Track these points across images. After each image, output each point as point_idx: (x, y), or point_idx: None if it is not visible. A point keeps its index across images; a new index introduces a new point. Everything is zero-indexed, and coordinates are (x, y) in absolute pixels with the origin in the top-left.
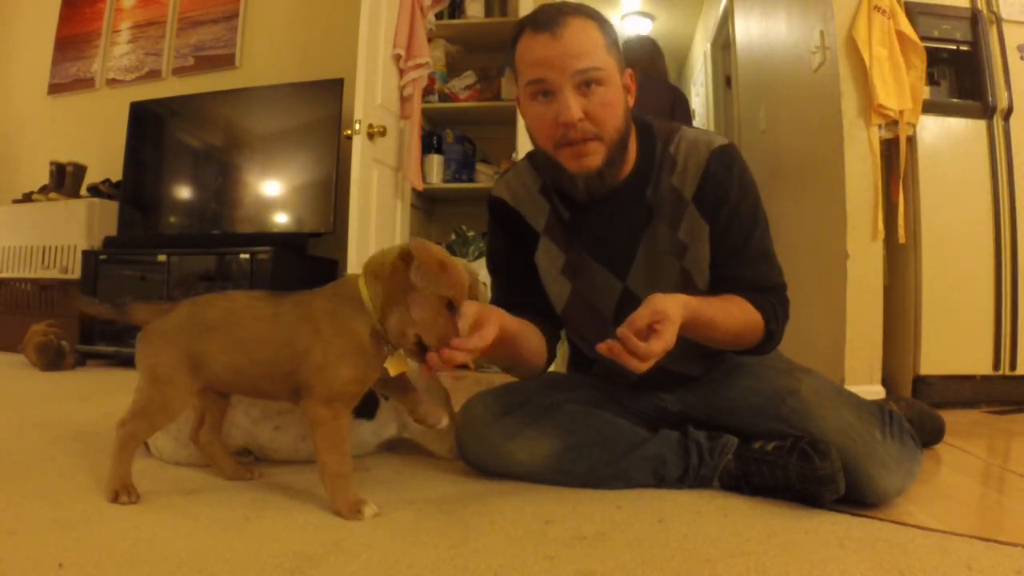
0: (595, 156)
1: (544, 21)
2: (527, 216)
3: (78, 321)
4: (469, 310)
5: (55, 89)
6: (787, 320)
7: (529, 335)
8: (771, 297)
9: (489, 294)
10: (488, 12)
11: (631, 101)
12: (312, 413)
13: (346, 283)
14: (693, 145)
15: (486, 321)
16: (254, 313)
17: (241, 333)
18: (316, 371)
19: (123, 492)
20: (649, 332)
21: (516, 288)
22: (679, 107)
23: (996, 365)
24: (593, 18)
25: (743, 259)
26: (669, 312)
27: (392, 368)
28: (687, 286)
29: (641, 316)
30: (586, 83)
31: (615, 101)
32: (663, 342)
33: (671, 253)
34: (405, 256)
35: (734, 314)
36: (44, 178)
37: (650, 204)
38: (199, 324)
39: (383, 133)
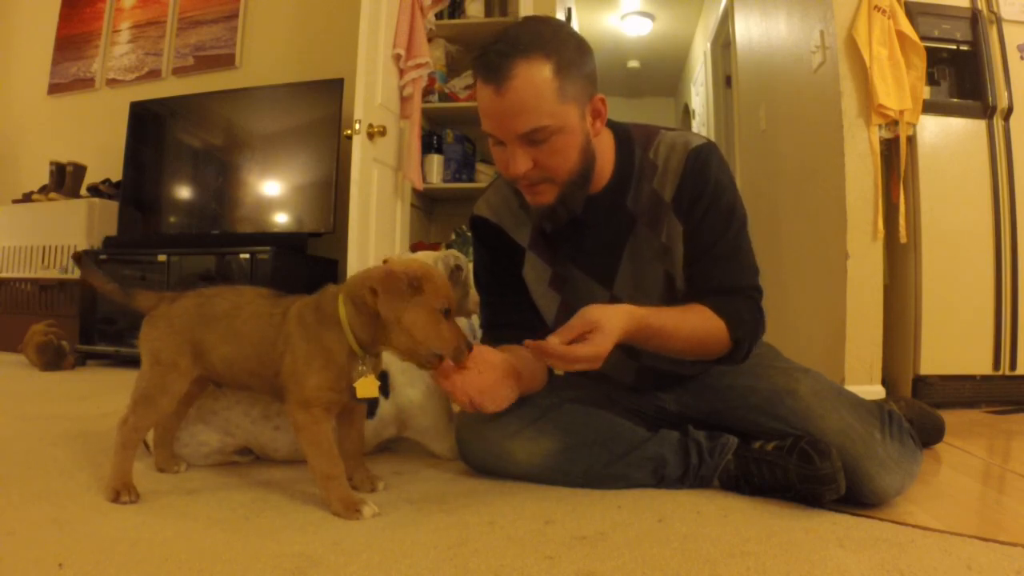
0: (547, 195)
1: (491, 70)
2: (511, 232)
3: (78, 321)
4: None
5: (55, 89)
6: (758, 326)
7: (530, 367)
8: (739, 302)
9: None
10: (488, 12)
11: (599, 127)
12: (293, 418)
13: (327, 298)
14: (671, 148)
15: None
16: (253, 309)
17: (238, 326)
18: (289, 376)
19: (124, 491)
20: (580, 339)
21: (506, 306)
22: None
23: (996, 365)
24: (545, 56)
25: (713, 258)
26: (602, 322)
27: (361, 390)
28: (671, 289)
29: (572, 328)
30: (531, 140)
31: (566, 147)
32: (590, 348)
33: (655, 258)
34: (374, 289)
35: (691, 322)
36: (44, 178)
37: (631, 211)
38: (206, 314)
39: (383, 133)
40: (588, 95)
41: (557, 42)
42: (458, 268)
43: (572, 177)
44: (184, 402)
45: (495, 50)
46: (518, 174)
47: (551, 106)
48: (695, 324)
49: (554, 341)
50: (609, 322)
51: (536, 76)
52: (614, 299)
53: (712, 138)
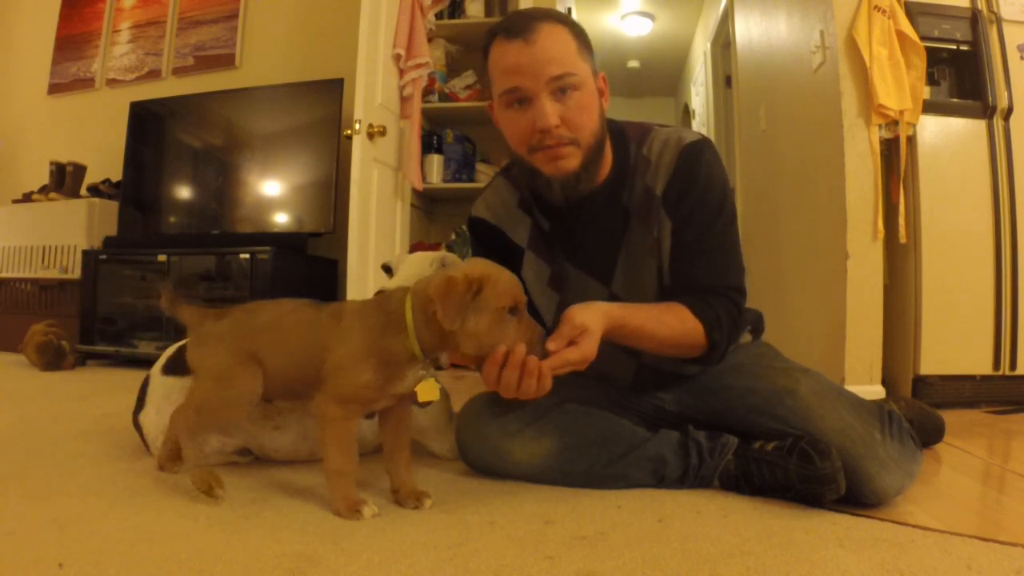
0: (571, 159)
1: (516, 28)
2: (509, 232)
3: (78, 321)
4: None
5: (55, 89)
6: (736, 329)
7: None
8: (717, 303)
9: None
10: (488, 12)
11: (605, 104)
12: (323, 409)
13: (393, 301)
14: (665, 144)
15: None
16: (297, 317)
17: (284, 335)
18: (334, 369)
19: (216, 485)
20: (570, 345)
21: None
22: None
23: (996, 365)
24: (565, 23)
25: (697, 253)
26: (588, 324)
27: (423, 394)
28: (663, 284)
29: (563, 335)
30: (561, 89)
31: (590, 105)
32: (577, 352)
33: (648, 254)
34: (431, 303)
35: (667, 323)
36: (44, 178)
37: (626, 207)
38: (251, 328)
39: (383, 133)
40: (595, 70)
41: (567, 18)
42: (441, 264)
43: (594, 141)
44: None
45: (514, 17)
46: (549, 125)
47: (575, 58)
48: (672, 325)
49: (549, 348)
50: (593, 323)
51: (559, 33)
52: (612, 296)
53: (712, 138)
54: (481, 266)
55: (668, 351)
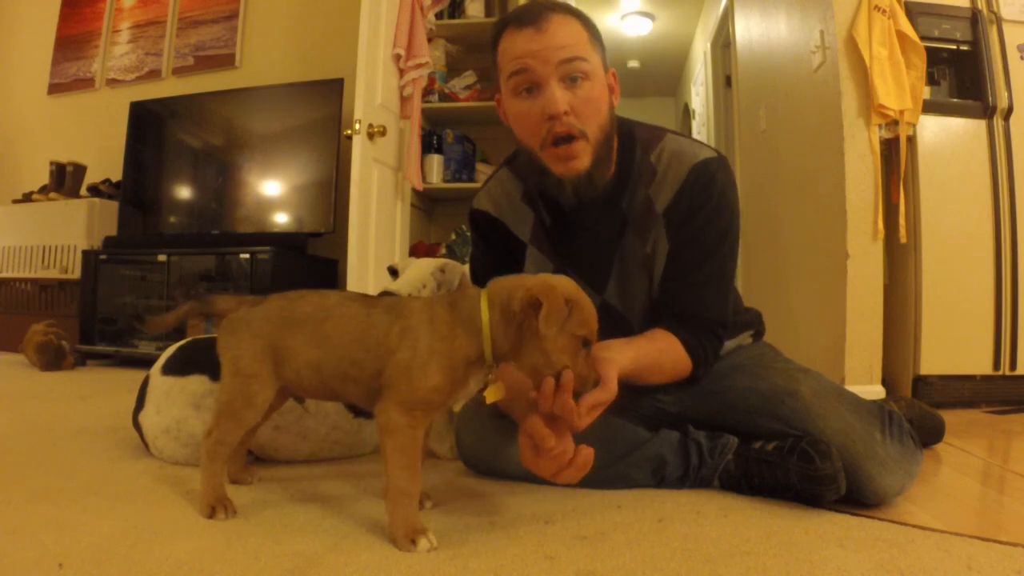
0: (582, 158)
1: (527, 17)
2: (512, 226)
3: (78, 321)
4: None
5: (55, 89)
6: (714, 363)
7: None
8: (706, 339)
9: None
10: (488, 12)
11: (615, 101)
12: (386, 419)
13: (466, 300)
14: (676, 156)
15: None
16: (345, 311)
17: (329, 329)
18: (401, 371)
19: (219, 507)
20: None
21: None
22: None
23: (996, 365)
24: (577, 15)
25: (690, 282)
26: (616, 391)
27: (490, 396)
28: (652, 298)
29: (601, 403)
30: (571, 77)
31: (600, 96)
32: (591, 419)
33: (641, 267)
34: (533, 302)
35: (664, 366)
36: (44, 178)
37: (624, 214)
38: (287, 318)
39: (383, 133)
40: (606, 65)
41: (579, 11)
42: (441, 271)
43: (603, 136)
44: (267, 413)
45: (526, 8)
46: (558, 111)
47: (586, 47)
48: (666, 368)
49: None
50: (617, 387)
51: (571, 23)
52: (605, 305)
53: (712, 138)
54: (571, 286)
55: (655, 382)
